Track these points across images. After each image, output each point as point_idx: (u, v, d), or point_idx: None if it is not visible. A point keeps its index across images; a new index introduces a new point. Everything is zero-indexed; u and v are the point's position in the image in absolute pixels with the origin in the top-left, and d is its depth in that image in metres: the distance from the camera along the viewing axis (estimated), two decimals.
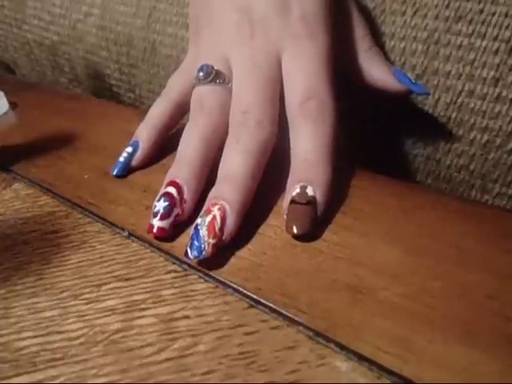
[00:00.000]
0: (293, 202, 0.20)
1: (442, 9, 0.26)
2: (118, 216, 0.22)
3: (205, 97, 0.23)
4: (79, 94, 0.44)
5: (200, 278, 0.19)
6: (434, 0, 0.26)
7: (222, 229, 0.19)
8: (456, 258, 0.18)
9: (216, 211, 0.19)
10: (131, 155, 0.26)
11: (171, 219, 0.20)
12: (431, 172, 0.29)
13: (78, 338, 0.17)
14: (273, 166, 0.22)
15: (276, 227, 0.21)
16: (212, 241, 0.19)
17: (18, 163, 0.28)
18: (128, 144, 0.26)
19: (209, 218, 0.19)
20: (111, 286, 0.19)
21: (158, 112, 0.26)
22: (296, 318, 0.16)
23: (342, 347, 0.15)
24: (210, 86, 0.23)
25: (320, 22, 0.23)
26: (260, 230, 0.21)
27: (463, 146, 0.27)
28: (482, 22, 0.25)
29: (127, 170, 0.25)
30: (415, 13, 0.27)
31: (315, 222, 0.20)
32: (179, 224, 0.21)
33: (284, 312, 0.17)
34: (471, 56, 0.25)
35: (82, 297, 0.18)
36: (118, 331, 0.17)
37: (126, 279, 0.19)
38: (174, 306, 0.18)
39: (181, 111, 0.27)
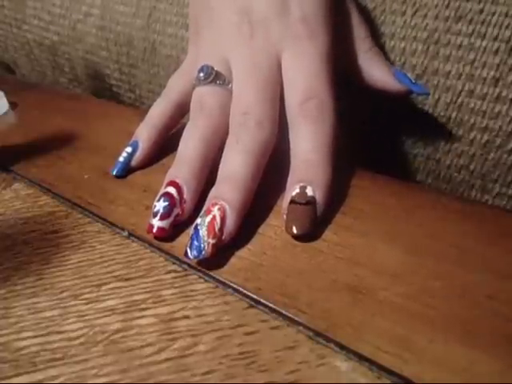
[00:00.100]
0: (292, 202, 0.20)
1: (442, 9, 0.26)
2: (118, 216, 0.22)
3: (205, 97, 0.23)
4: (79, 94, 0.44)
5: (200, 277, 0.19)
6: (433, 0, 0.26)
7: (221, 229, 0.19)
8: (456, 257, 0.18)
9: (216, 211, 0.19)
10: (131, 155, 0.26)
11: (171, 219, 0.20)
12: (431, 172, 0.29)
13: (77, 337, 0.17)
14: (273, 166, 0.22)
15: (276, 227, 0.21)
16: (212, 241, 0.19)
17: (17, 163, 0.28)
18: (128, 144, 0.26)
19: (208, 218, 0.19)
20: (111, 286, 0.19)
21: (157, 112, 0.26)
22: (296, 318, 0.16)
23: (342, 347, 0.15)
24: (210, 86, 0.23)
25: (320, 23, 0.23)
26: (260, 230, 0.21)
27: (463, 145, 0.27)
28: (482, 22, 0.25)
29: (127, 170, 0.25)
30: (415, 13, 0.27)
31: (315, 222, 0.20)
32: (179, 224, 0.21)
33: (284, 312, 0.17)
34: (471, 56, 0.25)
35: (82, 297, 0.18)
36: (117, 331, 0.17)
37: (126, 279, 0.19)
38: (173, 306, 0.18)
39: (181, 111, 0.27)
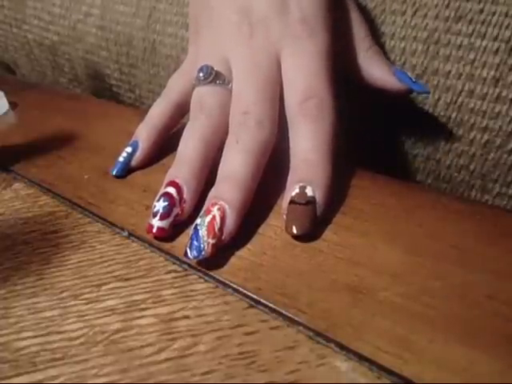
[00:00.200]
0: (292, 202, 0.20)
1: (442, 9, 0.26)
2: (118, 216, 0.22)
3: (205, 97, 0.23)
4: (79, 94, 0.44)
5: (200, 277, 0.19)
6: (433, 0, 0.26)
7: (221, 229, 0.19)
8: (456, 257, 0.18)
9: (215, 211, 0.19)
10: (131, 155, 0.26)
11: (171, 219, 0.20)
12: (431, 172, 0.29)
13: (78, 338, 0.17)
14: (273, 165, 0.22)
15: (276, 227, 0.21)
16: (211, 241, 0.19)
17: (18, 163, 0.28)
18: (127, 144, 0.26)
19: (208, 218, 0.19)
20: (111, 286, 0.19)
21: (157, 112, 0.26)
22: (296, 318, 0.16)
23: (342, 347, 0.15)
24: (210, 86, 0.23)
25: (320, 22, 0.23)
26: (260, 230, 0.21)
27: (463, 145, 0.27)
28: (482, 22, 0.25)
29: (127, 170, 0.25)
30: (415, 13, 0.27)
31: (315, 222, 0.20)
32: (179, 224, 0.21)
33: (284, 312, 0.17)
34: (471, 56, 0.25)
35: (82, 297, 0.18)
36: (118, 331, 0.17)
37: (126, 279, 0.19)
38: (173, 306, 0.18)
39: (181, 111, 0.27)
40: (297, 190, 0.20)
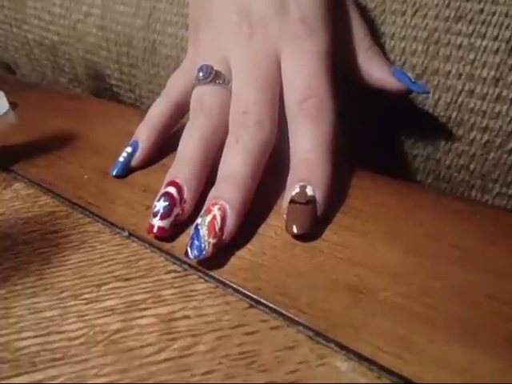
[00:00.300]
0: (292, 201, 0.20)
1: (442, 9, 0.26)
2: (118, 216, 0.22)
3: (205, 97, 0.23)
4: (79, 94, 0.44)
5: (200, 277, 0.19)
6: (433, 0, 0.26)
7: (222, 228, 0.19)
8: (456, 257, 0.18)
9: (216, 211, 0.19)
10: (131, 155, 0.26)
11: (171, 219, 0.20)
12: (431, 172, 0.29)
13: (77, 338, 0.17)
14: (273, 165, 0.22)
15: (276, 227, 0.21)
16: (212, 240, 0.19)
17: (18, 163, 0.28)
18: (127, 144, 0.26)
19: (209, 218, 0.19)
20: (111, 286, 0.19)
21: (157, 112, 0.26)
22: (296, 318, 0.16)
23: (342, 347, 0.15)
24: (210, 86, 0.23)
25: (319, 22, 0.23)
26: (260, 230, 0.21)
27: (463, 145, 0.27)
28: (482, 22, 0.25)
29: (127, 171, 0.25)
30: (415, 13, 0.27)
31: (315, 222, 0.20)
32: (179, 224, 0.21)
33: (284, 312, 0.17)
34: (471, 56, 0.25)
35: (82, 297, 0.18)
36: (117, 331, 0.17)
37: (126, 279, 0.19)
38: (173, 306, 0.18)
39: (180, 111, 0.27)
40: (297, 190, 0.20)
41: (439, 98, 0.27)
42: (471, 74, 0.25)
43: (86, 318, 0.17)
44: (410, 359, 0.15)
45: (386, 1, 0.28)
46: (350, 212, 0.21)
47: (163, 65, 0.37)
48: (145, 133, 0.26)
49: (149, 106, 0.27)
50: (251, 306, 0.17)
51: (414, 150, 0.29)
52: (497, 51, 0.24)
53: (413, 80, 0.25)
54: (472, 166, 0.27)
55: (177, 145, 0.23)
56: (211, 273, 0.19)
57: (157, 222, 0.20)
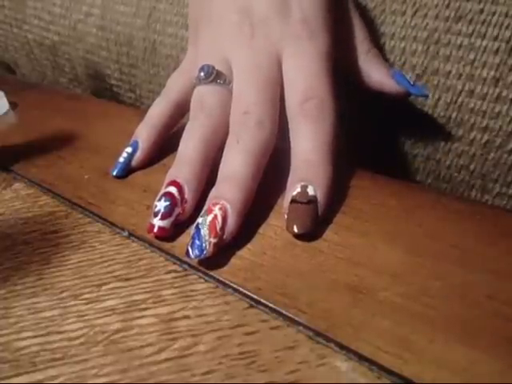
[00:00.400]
0: (293, 201, 0.20)
1: (442, 9, 0.26)
2: (119, 216, 0.22)
3: (205, 97, 0.23)
4: (79, 94, 0.44)
5: (200, 277, 0.19)
6: (433, 0, 0.26)
7: (223, 228, 0.19)
8: (456, 257, 0.18)
9: (217, 211, 0.19)
10: (131, 155, 0.26)
11: (172, 219, 0.20)
12: (431, 172, 0.29)
13: (77, 338, 0.17)
14: (273, 165, 0.22)
15: (276, 227, 0.21)
16: (213, 240, 0.19)
17: (17, 163, 0.28)
18: (128, 144, 0.26)
19: (210, 218, 0.19)
20: (111, 286, 0.19)
21: (157, 112, 0.26)
22: (296, 318, 0.16)
23: (342, 347, 0.15)
24: (211, 86, 0.23)
25: (320, 23, 0.23)
26: (260, 230, 0.21)
27: (463, 145, 0.27)
28: (482, 22, 0.25)
29: (127, 171, 0.25)
30: (415, 13, 0.27)
31: (316, 222, 0.20)
32: (179, 224, 0.21)
33: (284, 312, 0.17)
34: (471, 56, 0.25)
35: (82, 297, 0.18)
36: (118, 331, 0.17)
37: (126, 279, 0.19)
38: (174, 306, 0.18)
39: (180, 111, 0.27)
40: (298, 189, 0.20)
41: (439, 98, 0.27)
42: (471, 74, 0.25)
43: (86, 318, 0.17)
44: (410, 359, 0.15)
45: (385, 1, 0.28)
46: (350, 212, 0.21)
47: (163, 65, 0.37)
48: (145, 133, 0.26)
49: (149, 106, 0.27)
50: (251, 306, 0.17)
51: (414, 150, 0.29)
52: (497, 51, 0.24)
53: (412, 83, 0.25)
54: (472, 166, 0.27)
55: (177, 145, 0.23)
56: (211, 273, 0.19)
57: (157, 222, 0.20)
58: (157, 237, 0.20)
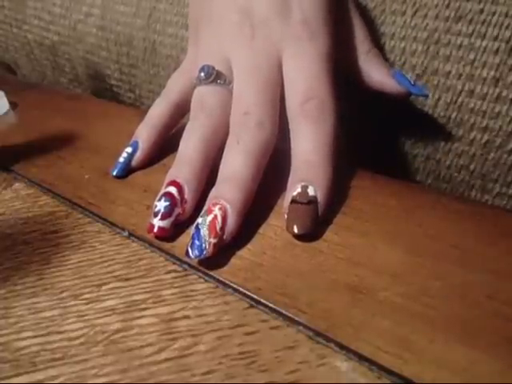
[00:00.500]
0: (294, 201, 0.20)
1: (442, 9, 0.26)
2: (119, 216, 0.22)
3: (205, 97, 0.23)
4: (79, 94, 0.44)
5: (200, 277, 0.19)
6: (433, 0, 0.26)
7: (222, 228, 0.19)
8: (456, 257, 0.18)
9: (217, 211, 0.19)
10: (131, 155, 0.26)
11: (172, 219, 0.20)
12: (431, 172, 0.29)
13: (77, 338, 0.17)
14: (273, 166, 0.22)
15: (276, 227, 0.21)
16: (213, 240, 0.19)
17: (18, 163, 0.28)
18: (128, 144, 0.26)
19: (210, 218, 0.19)
20: (111, 285, 0.19)
21: (157, 112, 0.26)
22: (296, 318, 0.16)
23: (342, 347, 0.15)
24: (211, 86, 0.23)
25: (321, 24, 0.23)
26: (260, 230, 0.21)
27: (463, 145, 0.27)
28: (482, 22, 0.25)
29: (127, 171, 0.25)
30: (415, 13, 0.27)
31: (316, 222, 0.20)
32: (179, 224, 0.21)
33: (284, 312, 0.17)
34: (471, 56, 0.25)
35: (82, 297, 0.18)
36: (118, 331, 0.17)
37: (126, 279, 0.19)
38: (174, 306, 0.18)
39: (180, 111, 0.27)
40: (299, 190, 0.20)
41: (439, 98, 0.27)
42: (471, 74, 0.25)
43: (86, 317, 0.17)
44: (410, 359, 0.15)
45: (385, 1, 0.28)
46: (350, 212, 0.21)
47: (163, 65, 0.37)
48: (145, 133, 0.26)
49: (149, 106, 0.27)
50: (251, 306, 0.17)
51: (414, 150, 0.29)
52: (497, 51, 0.24)
53: (412, 82, 0.25)
54: (472, 166, 0.27)
55: (177, 145, 0.23)
56: (211, 273, 0.19)
57: (157, 222, 0.20)
58: (157, 237, 0.20)
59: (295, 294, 0.17)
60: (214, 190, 0.21)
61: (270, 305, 0.17)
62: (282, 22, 0.23)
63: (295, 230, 0.19)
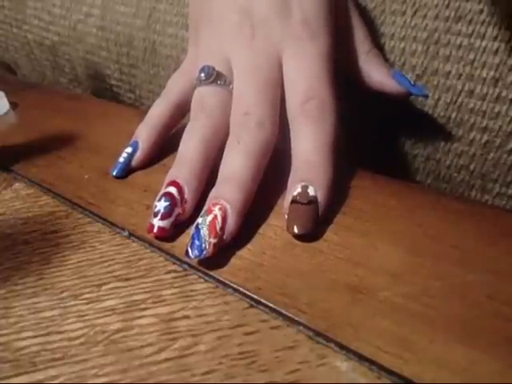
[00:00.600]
0: (294, 201, 0.20)
1: (441, 9, 0.26)
2: (119, 216, 0.22)
3: (206, 97, 0.23)
4: (79, 94, 0.44)
5: (200, 277, 0.19)
6: (433, 0, 0.26)
7: (222, 228, 0.19)
8: (456, 258, 0.18)
9: (217, 211, 0.19)
10: (131, 155, 0.26)
11: (172, 219, 0.20)
12: (431, 172, 0.29)
13: (78, 337, 0.17)
14: (273, 166, 0.22)
15: (276, 227, 0.21)
16: (213, 240, 0.19)
17: (18, 163, 0.28)
18: (128, 144, 0.26)
19: (210, 218, 0.19)
20: (111, 285, 0.19)
21: (157, 112, 0.26)
22: (296, 318, 0.16)
23: (342, 347, 0.15)
24: (211, 86, 0.23)
25: (321, 24, 0.23)
26: (260, 230, 0.21)
27: (463, 146, 0.27)
28: (482, 22, 0.25)
29: (127, 171, 0.25)
30: (415, 13, 0.27)
31: (316, 222, 0.20)
32: (179, 224, 0.21)
33: (284, 312, 0.17)
34: (471, 56, 0.25)
35: (82, 297, 0.18)
36: (118, 331, 0.17)
37: (126, 279, 0.19)
38: (173, 306, 0.18)
39: (181, 111, 0.27)
40: (299, 190, 0.20)
41: (439, 99, 0.27)
42: (471, 74, 0.25)
43: (86, 317, 0.17)
44: (410, 359, 0.15)
45: (385, 1, 0.28)
46: (351, 212, 0.21)
47: (163, 65, 0.37)
48: (145, 133, 0.26)
49: (149, 107, 0.27)
50: (251, 306, 0.17)
51: (414, 150, 0.29)
52: (496, 51, 0.24)
53: (412, 83, 0.25)
54: (472, 166, 0.27)
55: (177, 145, 0.23)
56: (211, 273, 0.19)
57: (157, 222, 0.20)
58: (157, 237, 0.20)
59: (295, 294, 0.17)
60: (214, 190, 0.21)
61: (270, 305, 0.17)
62: (282, 21, 0.23)
63: (295, 230, 0.19)
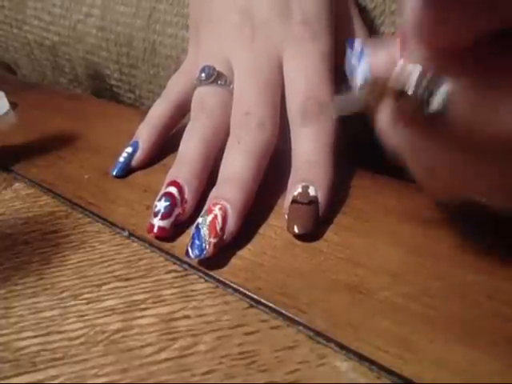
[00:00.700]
0: (294, 201, 0.20)
1: None
2: (119, 216, 0.22)
3: (206, 98, 0.23)
4: (79, 94, 0.44)
5: (200, 277, 0.19)
6: None
7: (223, 228, 0.19)
8: (456, 258, 0.18)
9: (217, 211, 0.19)
10: (131, 155, 0.26)
11: (172, 219, 0.20)
12: None
13: (78, 337, 0.17)
14: (274, 166, 0.22)
15: (276, 227, 0.21)
16: (213, 240, 0.19)
17: (18, 163, 0.28)
18: (128, 144, 0.26)
19: (210, 218, 0.19)
20: (111, 285, 0.19)
21: (158, 112, 0.26)
22: (296, 318, 0.16)
23: (342, 347, 0.15)
24: (212, 87, 0.23)
25: (322, 25, 0.23)
26: (260, 230, 0.21)
27: None
28: None
29: (127, 171, 0.25)
30: None
31: (317, 222, 0.20)
32: (179, 224, 0.21)
33: (284, 312, 0.17)
34: None
35: (82, 297, 0.18)
36: (118, 331, 0.17)
37: (126, 279, 0.19)
38: (173, 306, 0.18)
39: (181, 112, 0.27)
40: (299, 190, 0.20)
41: None
42: None
43: (86, 317, 0.17)
44: (410, 359, 0.15)
45: (385, 1, 0.28)
46: (351, 212, 0.21)
47: (163, 65, 0.37)
48: (145, 133, 0.26)
49: (149, 107, 0.27)
50: (251, 306, 0.17)
51: None
52: None
53: None
54: None
55: (177, 145, 0.23)
56: (211, 273, 0.19)
57: (157, 222, 0.20)
58: (157, 237, 0.20)
59: (295, 294, 0.17)
60: (214, 190, 0.21)
61: (270, 305, 0.17)
62: (282, 22, 0.23)
63: (296, 230, 0.19)
